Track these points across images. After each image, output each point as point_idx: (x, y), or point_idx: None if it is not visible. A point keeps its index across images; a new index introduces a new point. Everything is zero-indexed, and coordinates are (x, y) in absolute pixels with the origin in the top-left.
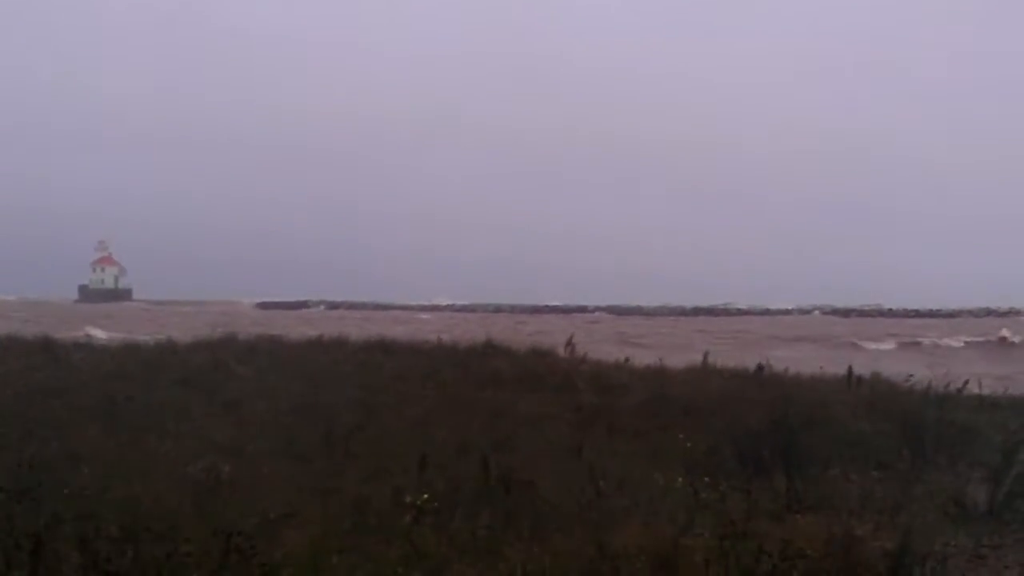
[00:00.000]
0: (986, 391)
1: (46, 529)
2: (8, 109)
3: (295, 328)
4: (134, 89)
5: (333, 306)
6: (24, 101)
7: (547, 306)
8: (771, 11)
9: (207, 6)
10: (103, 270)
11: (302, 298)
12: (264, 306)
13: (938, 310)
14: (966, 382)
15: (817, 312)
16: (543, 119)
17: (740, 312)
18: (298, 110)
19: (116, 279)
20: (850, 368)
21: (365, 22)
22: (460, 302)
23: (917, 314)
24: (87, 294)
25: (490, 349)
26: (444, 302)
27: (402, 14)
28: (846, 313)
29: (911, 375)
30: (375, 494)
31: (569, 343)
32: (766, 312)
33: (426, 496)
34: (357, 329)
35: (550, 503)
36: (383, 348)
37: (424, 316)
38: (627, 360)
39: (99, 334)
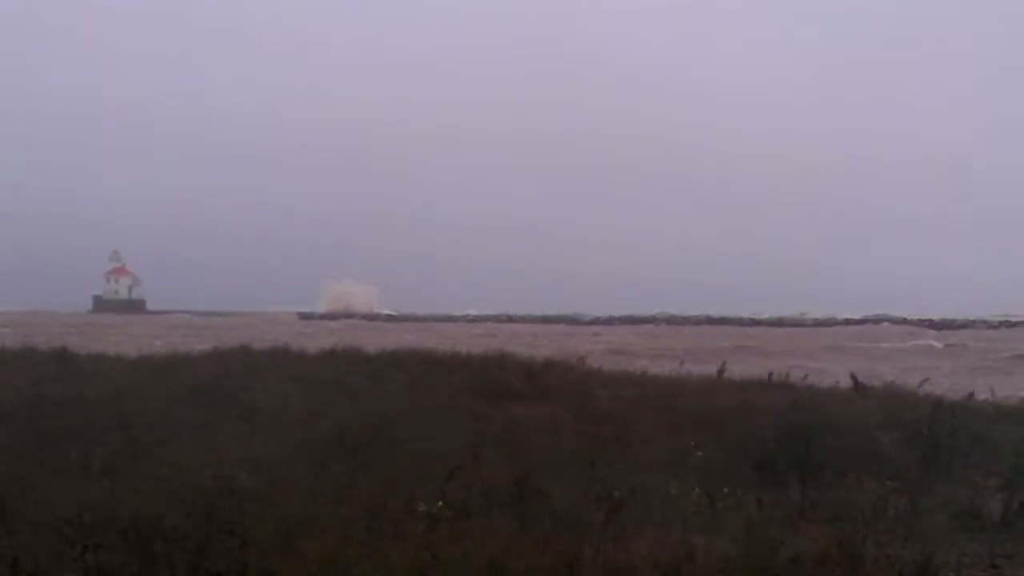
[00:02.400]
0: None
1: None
2: (18, 119)
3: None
4: (146, 98)
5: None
6: (34, 111)
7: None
8: (802, 19)
9: (224, 12)
10: (117, 280)
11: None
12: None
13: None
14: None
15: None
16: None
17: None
18: (320, 116)
19: (130, 289)
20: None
21: (382, 27)
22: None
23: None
24: (101, 304)
25: (504, 359)
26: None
27: (419, 22)
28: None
29: (925, 383)
30: (389, 502)
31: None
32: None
33: (440, 504)
34: (386, 339)
35: (564, 511)
36: (398, 358)
37: (451, 326)
38: (645, 372)
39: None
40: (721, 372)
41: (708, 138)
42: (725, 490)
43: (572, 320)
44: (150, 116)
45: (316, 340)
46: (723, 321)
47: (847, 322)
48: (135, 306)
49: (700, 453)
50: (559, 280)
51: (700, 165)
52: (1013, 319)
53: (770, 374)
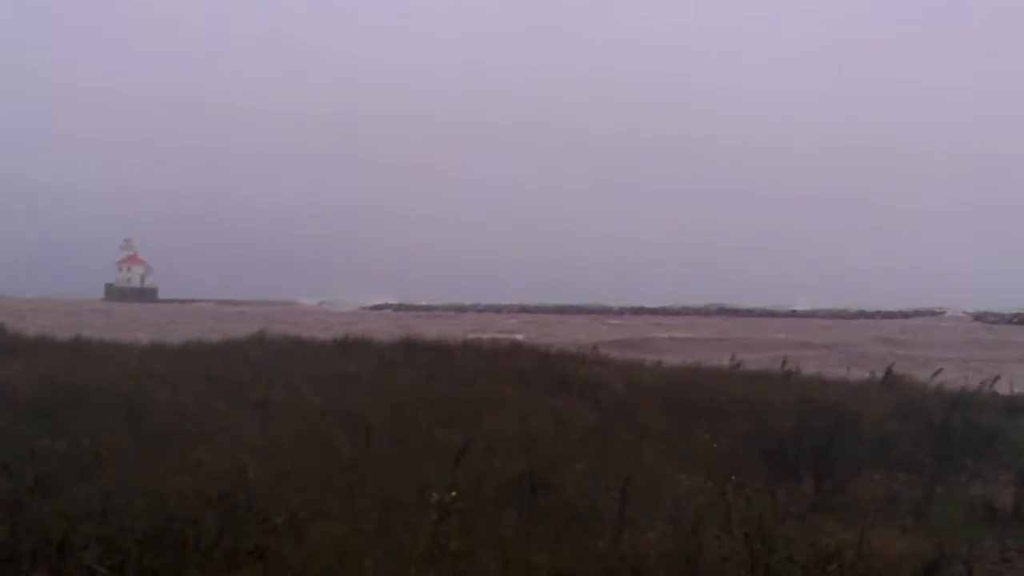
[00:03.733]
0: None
1: (72, 527)
2: (32, 112)
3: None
4: (160, 90)
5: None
6: (47, 104)
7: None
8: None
9: (244, 7)
10: (129, 269)
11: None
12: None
13: None
14: (993, 380)
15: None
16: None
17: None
18: (334, 112)
19: (142, 278)
20: (888, 370)
21: (397, 22)
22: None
23: None
24: (113, 293)
25: (518, 348)
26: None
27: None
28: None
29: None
30: (401, 492)
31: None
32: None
33: (452, 495)
34: (399, 328)
35: (575, 503)
36: (411, 347)
37: (466, 316)
38: (659, 362)
39: None
40: (735, 363)
41: (728, 135)
42: (737, 482)
43: (593, 311)
44: (165, 112)
45: (330, 330)
46: (738, 312)
47: (861, 314)
48: (147, 294)
49: (714, 445)
50: (581, 272)
51: (724, 161)
52: None
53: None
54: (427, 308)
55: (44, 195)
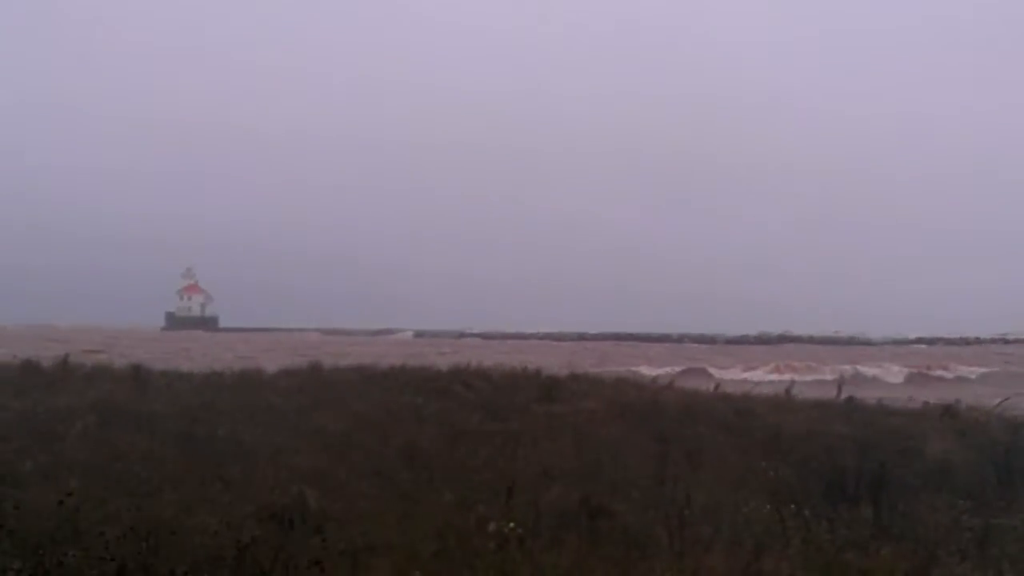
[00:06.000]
0: None
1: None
2: (96, 148)
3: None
4: (224, 118)
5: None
6: (107, 134)
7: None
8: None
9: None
10: (190, 298)
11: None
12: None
13: None
14: None
15: None
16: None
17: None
18: (392, 142)
19: (203, 307)
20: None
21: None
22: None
23: None
24: (174, 322)
25: (575, 376)
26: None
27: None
28: None
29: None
30: (459, 521)
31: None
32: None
33: (511, 524)
34: (460, 356)
35: (634, 530)
36: (469, 374)
37: (533, 343)
38: (717, 387)
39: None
40: (789, 391)
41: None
42: (796, 510)
43: (660, 339)
44: (226, 141)
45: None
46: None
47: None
48: (208, 323)
49: (773, 472)
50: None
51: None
52: None
53: (839, 389)
54: (492, 336)
55: (105, 223)
